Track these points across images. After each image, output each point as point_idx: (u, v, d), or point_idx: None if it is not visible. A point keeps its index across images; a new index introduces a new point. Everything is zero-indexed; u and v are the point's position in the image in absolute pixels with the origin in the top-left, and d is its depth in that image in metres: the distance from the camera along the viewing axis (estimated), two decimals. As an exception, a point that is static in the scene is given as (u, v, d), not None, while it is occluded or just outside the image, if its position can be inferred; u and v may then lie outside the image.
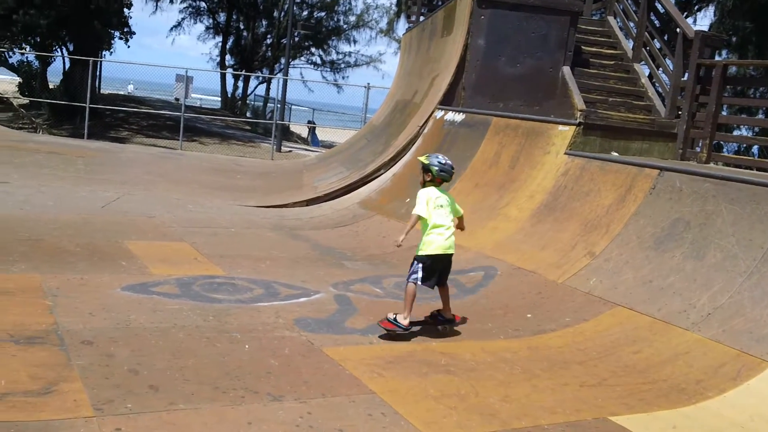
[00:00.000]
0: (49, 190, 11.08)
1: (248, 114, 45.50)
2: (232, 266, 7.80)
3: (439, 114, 13.15)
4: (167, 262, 7.70)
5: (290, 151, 27.13)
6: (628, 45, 14.69)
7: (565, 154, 9.55)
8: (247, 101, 48.73)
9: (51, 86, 33.30)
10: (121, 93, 42.81)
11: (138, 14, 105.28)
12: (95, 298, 6.08)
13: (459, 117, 12.40)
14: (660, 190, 7.76)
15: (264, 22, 47.94)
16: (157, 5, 43.96)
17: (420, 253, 5.98)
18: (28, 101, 31.04)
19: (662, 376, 5.49)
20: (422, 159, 6.18)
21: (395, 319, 5.88)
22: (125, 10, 33.82)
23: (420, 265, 5.94)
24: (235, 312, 6.17)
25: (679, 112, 12.01)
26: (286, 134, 31.98)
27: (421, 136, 13.20)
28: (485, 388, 5.02)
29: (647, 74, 13.99)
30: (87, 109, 22.40)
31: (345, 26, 47.56)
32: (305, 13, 46.93)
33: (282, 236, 9.96)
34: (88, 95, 22.55)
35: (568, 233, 8.35)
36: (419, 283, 5.94)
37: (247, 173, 16.83)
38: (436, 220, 5.99)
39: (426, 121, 13.36)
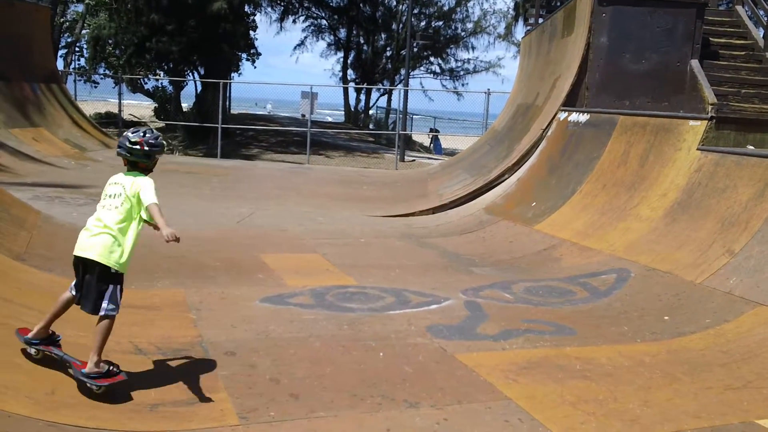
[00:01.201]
0: (188, 208, 11.59)
1: (371, 126, 46.08)
2: (363, 275, 7.95)
3: (562, 115, 12.98)
4: (301, 273, 7.93)
5: (413, 160, 27.32)
6: (758, 34, 14.10)
7: (698, 149, 9.24)
8: (370, 113, 49.41)
9: (184, 109, 34.81)
10: (251, 112, 44.20)
11: (263, 35, 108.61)
12: (236, 310, 6.34)
13: (583, 117, 12.20)
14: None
15: (383, 35, 48.50)
16: (281, 26, 45.25)
17: None
18: (164, 124, 32.52)
19: (812, 378, 5.24)
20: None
21: None
22: (251, 32, 35.00)
23: None
24: (368, 320, 6.29)
25: (820, 100, 11.44)
26: (408, 144, 32.20)
27: (545, 139, 13.06)
28: (624, 393, 4.92)
29: (782, 63, 13.38)
30: (219, 129, 23.29)
31: (463, 33, 47.51)
32: (423, 23, 47.19)
33: (410, 244, 10.07)
34: (220, 116, 23.43)
35: (705, 231, 8.06)
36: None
37: (373, 184, 17.09)
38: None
39: (549, 124, 13.21)
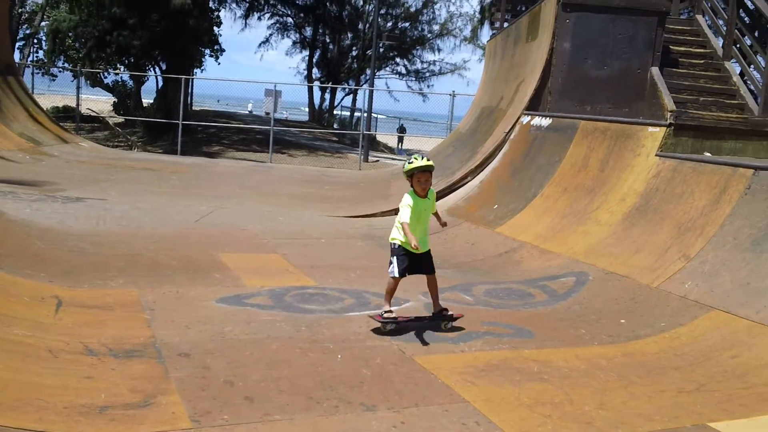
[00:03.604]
0: (145, 206, 11.45)
1: (335, 125, 46.07)
2: (323, 276, 7.91)
3: (525, 119, 13.06)
4: (260, 273, 7.87)
5: (377, 160, 27.35)
6: (717, 43, 14.30)
7: (656, 155, 9.35)
8: (334, 113, 49.38)
9: (145, 105, 34.45)
10: (212, 109, 43.87)
11: (227, 32, 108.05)
12: (191, 310, 6.26)
13: (546, 122, 12.28)
14: (756, 190, 7.51)
15: (349, 35, 48.56)
16: (245, 22, 45.07)
17: None
18: (123, 120, 32.19)
19: (763, 380, 5.30)
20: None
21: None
22: (215, 28, 34.78)
23: None
24: (327, 322, 6.25)
25: (775, 110, 11.64)
26: (372, 144, 32.24)
27: (508, 142, 13.13)
28: (580, 395, 4.95)
29: (738, 72, 13.57)
30: (180, 126, 23.08)
31: (429, 35, 47.75)
32: (389, 24, 47.32)
33: (372, 246, 10.05)
34: (181, 112, 23.24)
35: (662, 236, 8.16)
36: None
37: (336, 184, 17.05)
38: None
39: (512, 127, 13.28)
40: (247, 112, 51.32)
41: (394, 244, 6.10)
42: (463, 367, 5.35)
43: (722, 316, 6.41)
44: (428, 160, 6.03)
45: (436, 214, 6.27)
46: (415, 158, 6.09)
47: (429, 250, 6.19)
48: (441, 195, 13.02)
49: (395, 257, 6.08)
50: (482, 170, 13.14)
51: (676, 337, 6.27)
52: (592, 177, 10.10)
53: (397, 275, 6.06)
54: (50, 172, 14.42)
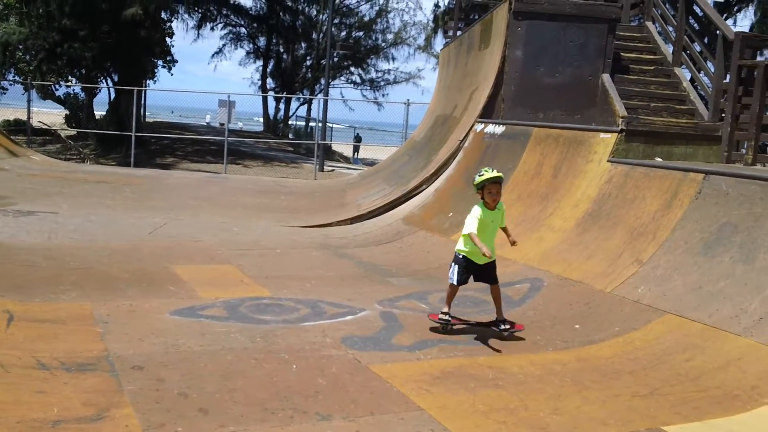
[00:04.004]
0: (98, 219, 11.29)
1: (290, 135, 45.92)
2: (278, 287, 7.85)
3: (479, 127, 13.14)
4: (214, 285, 7.79)
5: (333, 170, 27.30)
6: (667, 49, 14.54)
7: (608, 161, 9.46)
8: (289, 123, 49.22)
9: (97, 117, 34.02)
10: (166, 120, 43.47)
11: (180, 42, 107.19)
12: (145, 323, 6.17)
13: (499, 129, 12.37)
14: (706, 194, 7.64)
15: (303, 45, 48.47)
16: (198, 33, 44.73)
17: None
18: (75, 132, 31.74)
19: (715, 384, 5.38)
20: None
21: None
22: (167, 39, 34.49)
23: None
24: (282, 332, 6.21)
25: (723, 115, 11.86)
26: (328, 154, 32.22)
27: (462, 150, 13.20)
28: (535, 401, 4.97)
29: (688, 78, 13.82)
30: (133, 138, 22.83)
31: (383, 44, 47.85)
32: (343, 33, 47.35)
33: (327, 255, 10.01)
34: (134, 124, 22.99)
35: (615, 241, 8.25)
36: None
37: (291, 194, 16.98)
38: None
39: (466, 135, 13.35)
40: (205, 124, 51.00)
41: (458, 254, 6.37)
42: (418, 375, 5.35)
43: (675, 320, 6.50)
44: (497, 171, 6.25)
45: (505, 230, 6.48)
46: (486, 170, 6.31)
47: (494, 261, 6.30)
48: (396, 203, 13.04)
49: (456, 265, 6.36)
50: (437, 178, 13.19)
51: (630, 342, 6.34)
52: (546, 184, 10.19)
53: (455, 283, 6.39)
54: (1, 186, 14.14)
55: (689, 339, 6.16)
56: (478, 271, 6.36)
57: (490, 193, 6.26)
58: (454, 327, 6.53)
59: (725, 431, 4.62)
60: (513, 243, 6.42)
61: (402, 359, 5.75)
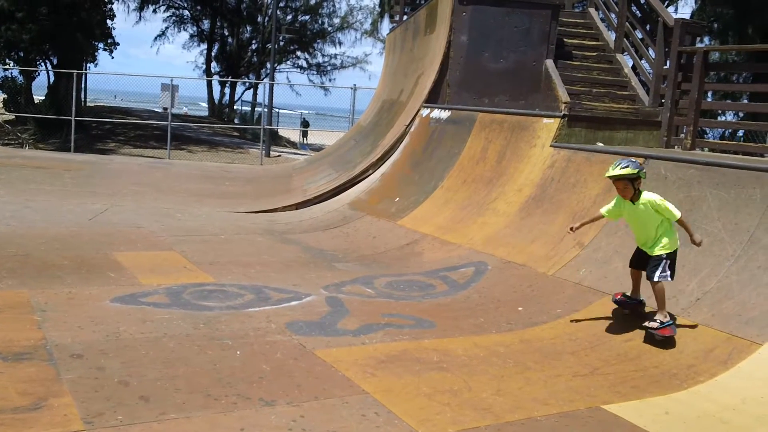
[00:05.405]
0: (36, 205, 11.04)
1: (236, 120, 45.45)
2: (222, 273, 7.78)
3: (425, 112, 13.16)
4: (156, 271, 7.68)
5: (279, 155, 27.12)
6: (610, 36, 14.73)
7: (551, 146, 9.57)
8: (235, 107, 48.71)
9: (36, 101, 33.18)
10: (108, 104, 42.64)
11: (122, 25, 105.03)
12: (84, 311, 6.06)
13: (445, 114, 12.41)
14: (647, 178, 7.76)
15: (248, 28, 47.95)
16: (140, 15, 43.96)
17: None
18: (13, 116, 30.93)
19: (654, 363, 5.50)
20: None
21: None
22: (108, 21, 33.79)
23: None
24: (226, 319, 6.15)
25: (663, 101, 12.06)
26: (274, 139, 31.97)
27: (408, 135, 13.21)
28: (478, 382, 5.02)
29: (630, 64, 14.02)
30: (73, 122, 22.33)
31: (330, 29, 47.62)
32: (289, 17, 46.95)
33: (272, 241, 9.94)
34: (74, 108, 22.49)
35: (557, 225, 8.36)
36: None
37: (237, 179, 16.81)
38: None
39: (412, 120, 13.37)
40: (157, 110, 50.19)
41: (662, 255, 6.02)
42: (363, 359, 5.36)
43: (615, 300, 6.61)
44: (622, 168, 5.98)
45: (686, 228, 6.12)
46: (612, 167, 6.08)
47: (654, 257, 6.00)
48: (343, 188, 13.01)
49: (668, 260, 6.00)
50: (383, 163, 13.18)
51: (572, 323, 6.44)
52: (491, 168, 10.27)
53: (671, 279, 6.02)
54: (-67, 172, 13.75)
55: (629, 320, 6.28)
56: (642, 255, 6.21)
57: (617, 188, 6.15)
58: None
59: (663, 409, 4.73)
60: (696, 243, 6.06)
61: (347, 344, 5.75)
